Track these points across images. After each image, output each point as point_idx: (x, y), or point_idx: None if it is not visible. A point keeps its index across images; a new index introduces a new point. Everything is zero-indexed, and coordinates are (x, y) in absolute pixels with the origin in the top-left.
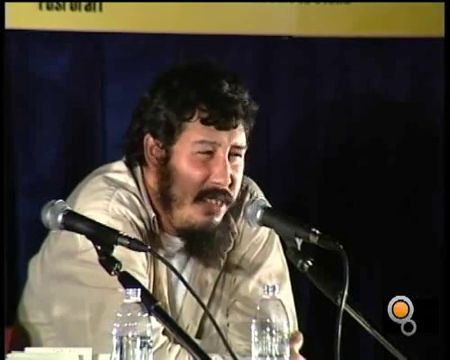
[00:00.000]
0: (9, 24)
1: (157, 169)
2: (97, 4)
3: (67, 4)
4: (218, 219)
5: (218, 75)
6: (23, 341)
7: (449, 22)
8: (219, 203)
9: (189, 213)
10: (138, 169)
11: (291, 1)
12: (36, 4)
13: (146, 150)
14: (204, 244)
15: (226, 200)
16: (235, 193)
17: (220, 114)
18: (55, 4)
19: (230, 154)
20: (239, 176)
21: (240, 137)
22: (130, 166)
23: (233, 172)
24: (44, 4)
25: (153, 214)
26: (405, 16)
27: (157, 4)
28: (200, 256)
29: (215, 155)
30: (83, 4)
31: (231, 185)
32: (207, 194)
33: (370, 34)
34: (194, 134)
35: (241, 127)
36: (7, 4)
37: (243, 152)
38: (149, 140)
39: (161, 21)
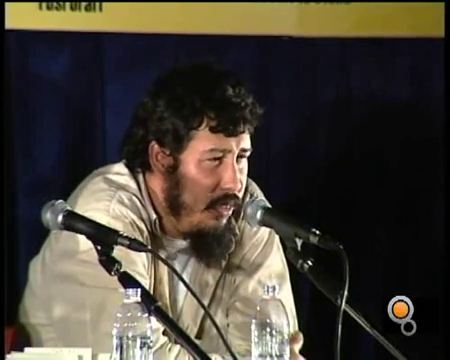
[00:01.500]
0: (9, 24)
1: (164, 176)
2: (97, 4)
3: (67, 4)
4: (225, 220)
5: (221, 79)
6: (24, 342)
7: (449, 22)
8: (228, 207)
9: (200, 219)
10: (140, 172)
11: (291, 1)
12: (36, 4)
13: (152, 157)
14: (215, 246)
15: (235, 204)
16: (241, 195)
17: (229, 121)
18: (55, 4)
19: (237, 157)
20: (245, 178)
21: (246, 140)
22: (131, 168)
23: (240, 175)
24: (44, 4)
25: (154, 216)
26: (405, 16)
27: (157, 4)
28: (209, 258)
29: (224, 161)
30: (83, 4)
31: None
32: (218, 201)
33: (370, 34)
34: (203, 143)
35: (247, 131)
36: (7, 4)
37: (248, 154)
38: (154, 147)
39: (161, 21)
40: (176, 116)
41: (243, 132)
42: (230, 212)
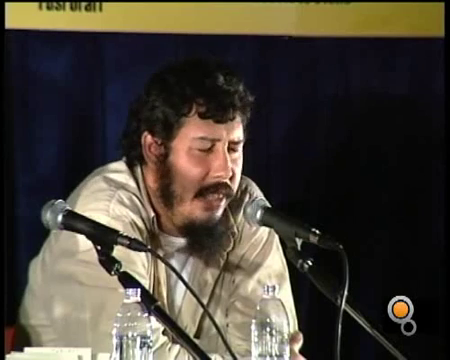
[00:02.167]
0: (9, 24)
1: (156, 167)
2: (97, 4)
3: (67, 4)
4: (218, 214)
5: (213, 68)
6: (24, 342)
7: (449, 22)
8: (220, 197)
9: (190, 209)
10: (138, 168)
11: (291, 1)
12: (36, 4)
13: (145, 148)
14: (206, 240)
15: (227, 194)
16: (235, 187)
17: (217, 107)
18: (55, 4)
19: (229, 148)
20: (239, 169)
21: (238, 130)
22: (130, 166)
23: (233, 165)
24: (44, 4)
25: (153, 214)
26: (405, 16)
27: (157, 4)
28: (202, 253)
29: (214, 149)
30: (83, 4)
31: (231, 178)
32: (208, 190)
33: (370, 34)
34: (193, 130)
35: (238, 119)
36: (7, 4)
37: (241, 145)
38: (147, 138)
39: (161, 21)
40: (166, 104)
41: (233, 119)
42: (222, 203)
